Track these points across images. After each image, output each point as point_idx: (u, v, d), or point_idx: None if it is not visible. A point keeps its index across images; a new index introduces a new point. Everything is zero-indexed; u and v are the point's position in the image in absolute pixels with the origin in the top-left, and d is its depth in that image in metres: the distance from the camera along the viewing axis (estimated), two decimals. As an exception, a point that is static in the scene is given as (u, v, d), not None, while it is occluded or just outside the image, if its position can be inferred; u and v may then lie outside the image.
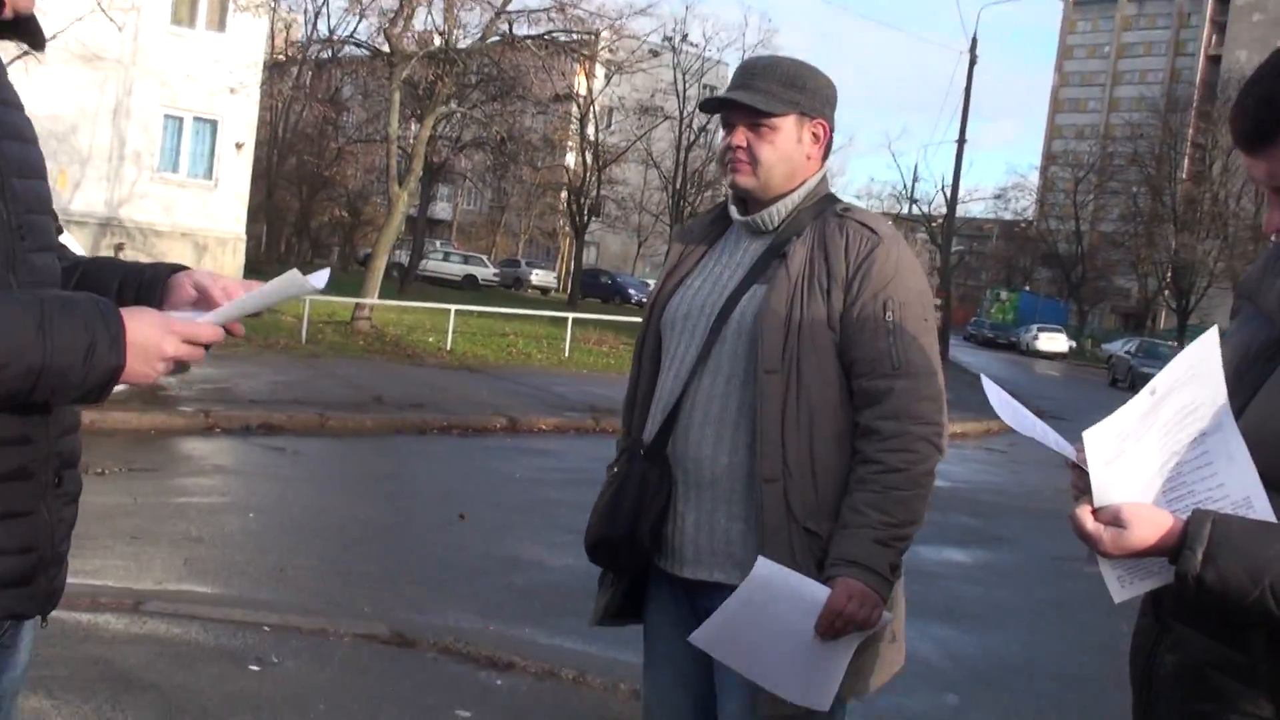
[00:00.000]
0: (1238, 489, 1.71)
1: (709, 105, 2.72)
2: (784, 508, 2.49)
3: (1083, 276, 67.25)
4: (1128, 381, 37.53)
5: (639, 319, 3.01)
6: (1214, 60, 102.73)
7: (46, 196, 1.81)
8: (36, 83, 23.07)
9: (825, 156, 2.73)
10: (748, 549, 2.53)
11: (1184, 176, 64.07)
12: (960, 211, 48.18)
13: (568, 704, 5.04)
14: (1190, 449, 1.74)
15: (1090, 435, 1.72)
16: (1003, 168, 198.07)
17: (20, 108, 1.80)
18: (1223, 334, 2.11)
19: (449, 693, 4.93)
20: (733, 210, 2.75)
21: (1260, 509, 1.69)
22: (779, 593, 2.42)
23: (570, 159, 47.85)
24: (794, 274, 2.55)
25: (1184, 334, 57.30)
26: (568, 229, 52.03)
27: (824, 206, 2.68)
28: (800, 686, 2.47)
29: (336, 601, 6.24)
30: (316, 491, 9.31)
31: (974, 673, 6.35)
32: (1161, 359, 38.65)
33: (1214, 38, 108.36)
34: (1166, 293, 62.11)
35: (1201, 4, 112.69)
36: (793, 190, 2.67)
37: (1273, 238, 1.86)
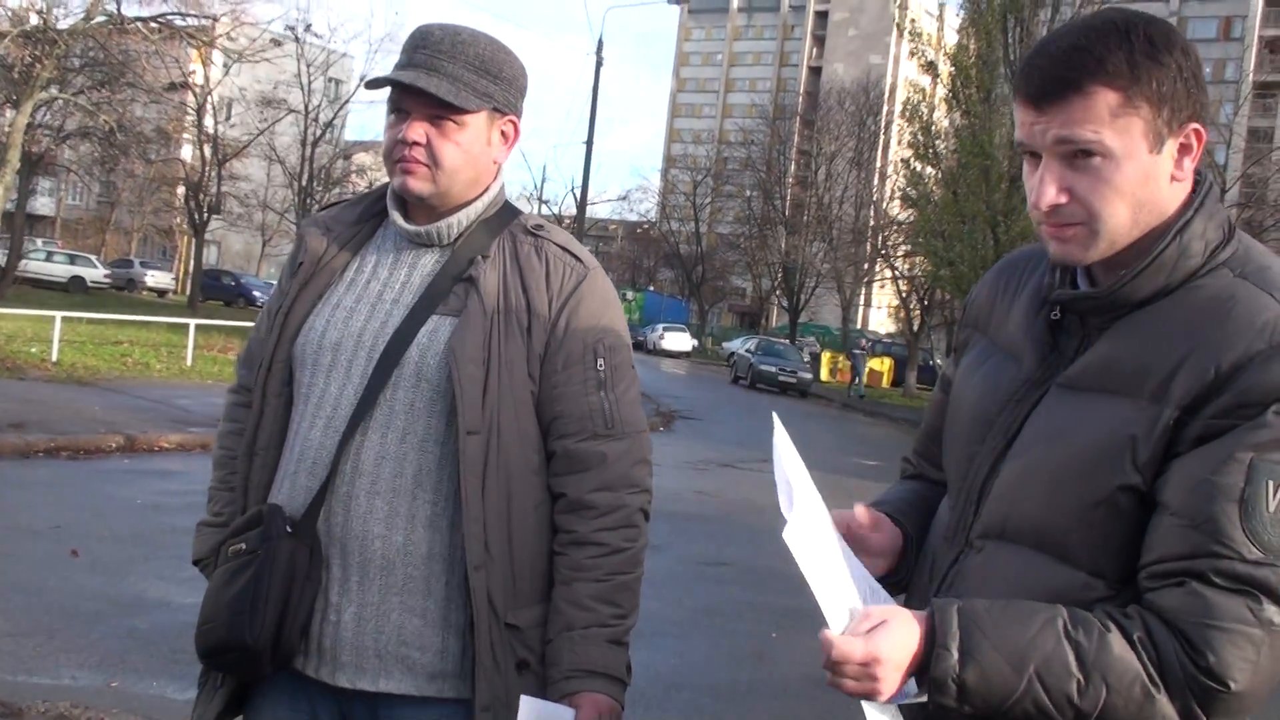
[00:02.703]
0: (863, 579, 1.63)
1: (381, 84, 2.16)
2: (486, 600, 2.07)
3: (702, 277, 70.35)
4: (749, 379, 39.39)
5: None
6: (815, 71, 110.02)
7: None
8: None
9: (508, 155, 2.28)
10: (425, 650, 2.10)
11: (791, 181, 68.19)
12: (588, 212, 49.13)
13: (207, 771, 4.55)
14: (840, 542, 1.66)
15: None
16: (627, 170, 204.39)
17: None
18: (945, 370, 1.98)
19: (67, 771, 4.36)
20: (396, 216, 2.22)
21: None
22: None
23: (187, 152, 45.55)
24: (488, 306, 2.11)
25: (795, 331, 61.02)
26: (185, 227, 49.43)
27: (506, 219, 2.24)
28: None
29: (-75, 667, 5.44)
30: (-103, 531, 8.18)
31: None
32: (778, 355, 40.81)
33: (815, 50, 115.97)
34: (778, 292, 65.87)
35: (803, 17, 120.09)
36: (474, 199, 2.21)
37: (1040, 223, 1.62)
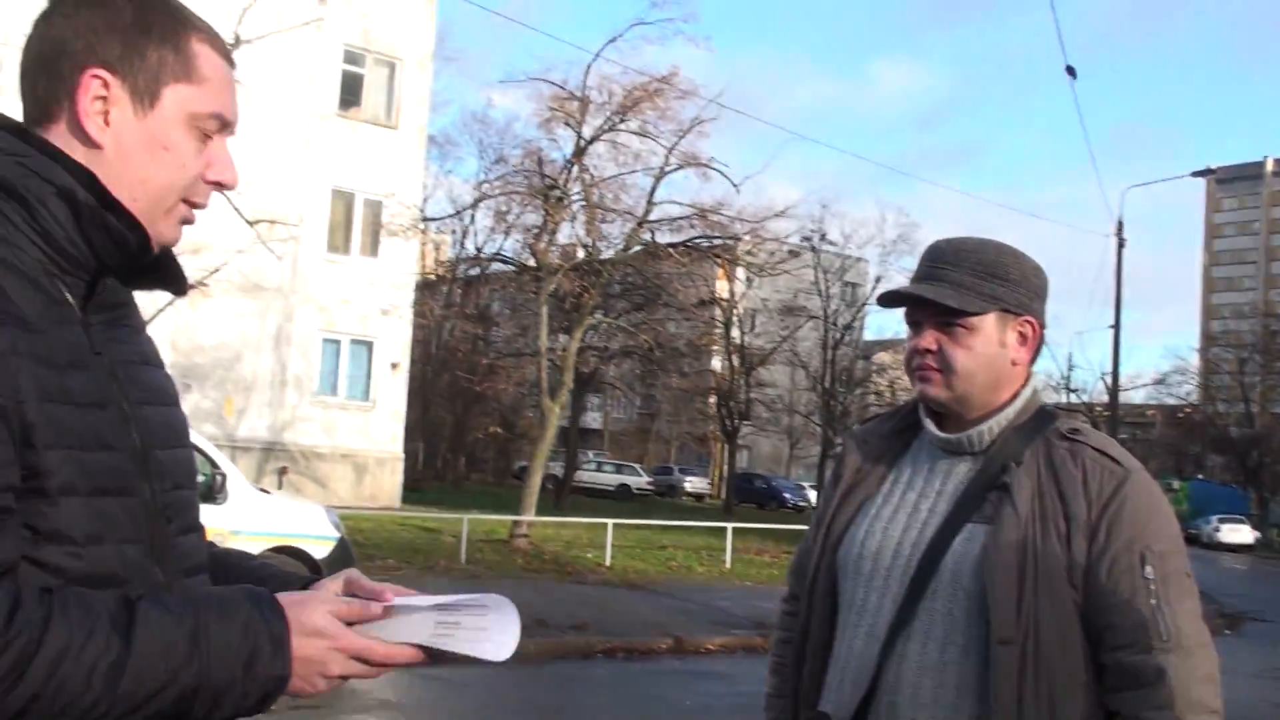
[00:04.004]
0: None
1: (889, 300, 2.26)
2: None
3: (1260, 461, 64.26)
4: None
5: (800, 526, 2.44)
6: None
7: (190, 466, 1.55)
8: (203, 314, 24.20)
9: (1034, 359, 2.26)
10: None
11: (1356, 352, 61.63)
12: (1121, 398, 46.63)
13: None
14: None
15: None
16: (1159, 351, 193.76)
17: (161, 365, 1.57)
18: None
19: None
20: (928, 424, 2.25)
21: None
22: None
23: (717, 363, 48.03)
24: (1023, 513, 2.06)
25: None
26: (718, 433, 51.86)
27: (1041, 424, 2.19)
28: None
29: None
30: (481, 728, 8.81)
31: None
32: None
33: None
34: (1352, 475, 58.92)
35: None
36: (1005, 405, 2.20)
37: None
